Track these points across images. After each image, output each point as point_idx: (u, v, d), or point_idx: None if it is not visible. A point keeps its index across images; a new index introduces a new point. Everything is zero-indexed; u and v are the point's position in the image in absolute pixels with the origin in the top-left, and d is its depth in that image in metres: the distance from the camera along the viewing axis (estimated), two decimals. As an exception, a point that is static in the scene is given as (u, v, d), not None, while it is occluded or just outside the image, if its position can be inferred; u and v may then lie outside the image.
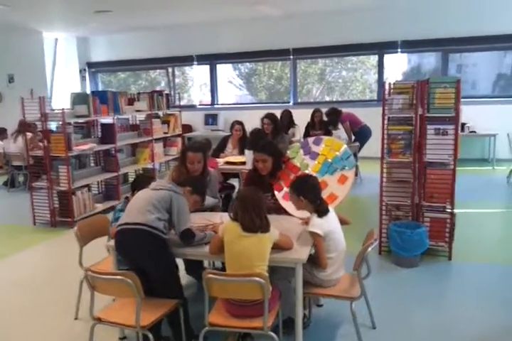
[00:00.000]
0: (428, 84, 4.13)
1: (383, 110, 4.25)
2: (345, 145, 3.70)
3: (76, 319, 3.49)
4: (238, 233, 2.65)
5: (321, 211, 2.97)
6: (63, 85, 12.08)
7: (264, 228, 2.66)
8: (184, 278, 3.73)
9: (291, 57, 10.67)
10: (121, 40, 11.86)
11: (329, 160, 3.66)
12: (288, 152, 3.94)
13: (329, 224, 2.94)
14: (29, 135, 7.12)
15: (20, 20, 9.58)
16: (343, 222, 3.15)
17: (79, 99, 6.20)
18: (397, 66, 10.34)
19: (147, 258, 2.84)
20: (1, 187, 8.64)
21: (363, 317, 3.21)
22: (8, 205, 7.52)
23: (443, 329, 3.24)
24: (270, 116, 6.53)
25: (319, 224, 2.90)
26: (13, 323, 3.56)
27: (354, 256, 3.05)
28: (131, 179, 7.71)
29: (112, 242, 3.10)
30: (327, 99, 11.22)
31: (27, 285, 4.24)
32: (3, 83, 10.08)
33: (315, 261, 2.93)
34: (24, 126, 7.19)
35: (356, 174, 8.01)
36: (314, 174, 3.59)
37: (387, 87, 4.35)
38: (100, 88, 12.74)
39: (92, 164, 6.73)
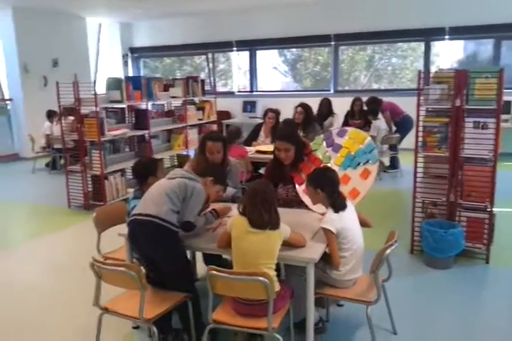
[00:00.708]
0: (468, 74, 3.83)
1: (418, 100, 3.99)
2: (369, 138, 3.48)
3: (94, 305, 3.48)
4: (246, 229, 2.52)
5: (338, 206, 2.80)
6: (107, 70, 12.21)
7: (274, 224, 2.52)
8: (203, 269, 3.66)
9: (333, 43, 10.33)
10: (163, 26, 11.84)
11: (352, 153, 3.46)
12: (311, 143, 3.76)
13: (344, 221, 2.77)
14: (70, 119, 7.21)
15: (64, 5, 9.68)
16: (363, 224, 2.97)
17: (113, 84, 6.21)
18: (449, 54, 9.82)
19: (157, 250, 2.77)
20: (44, 169, 8.88)
21: (386, 320, 3.03)
22: (48, 187, 7.69)
23: (469, 339, 3.02)
24: (303, 105, 6.34)
25: (332, 220, 2.74)
26: (35, 304, 3.62)
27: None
28: (166, 165, 7.74)
29: (125, 231, 3.05)
30: (375, 86, 10.85)
31: (54, 267, 4.33)
32: (48, 67, 10.25)
33: (328, 260, 2.77)
34: (66, 110, 7.29)
35: (397, 167, 7.72)
36: (336, 167, 3.40)
37: (422, 75, 4.06)
38: (144, 73, 12.82)
39: (127, 149, 6.76)
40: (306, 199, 3.29)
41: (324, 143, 3.61)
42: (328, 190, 2.83)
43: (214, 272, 2.33)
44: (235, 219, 2.63)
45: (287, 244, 2.59)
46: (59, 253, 4.73)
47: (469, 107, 3.88)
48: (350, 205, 2.89)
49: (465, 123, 3.87)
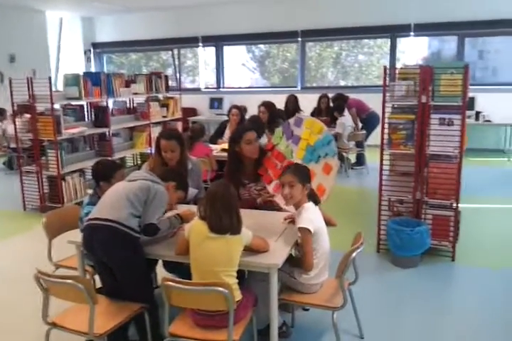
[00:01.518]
0: (433, 70, 3.76)
1: (383, 97, 3.91)
2: (325, 127, 3.31)
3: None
4: (205, 234, 2.36)
5: (316, 200, 2.72)
6: (69, 66, 11.80)
7: (235, 229, 2.37)
8: (163, 274, 3.49)
9: (300, 39, 10.22)
10: (127, 21, 11.50)
11: (311, 144, 3.29)
12: (272, 137, 3.62)
13: (318, 220, 2.65)
14: (26, 117, 6.89)
15: (21, -2, 9.29)
16: (328, 223, 2.83)
17: (71, 80, 5.93)
18: (414, 51, 9.85)
19: (114, 257, 2.58)
20: (2, 168, 8.50)
21: (352, 324, 2.93)
22: (2, 188, 7.35)
23: (439, 338, 2.95)
24: (265, 104, 6.23)
25: (310, 220, 2.60)
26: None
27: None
28: (128, 163, 7.51)
29: (75, 238, 2.86)
30: (342, 83, 10.81)
31: (1, 276, 4.05)
32: (5, 63, 9.82)
33: (297, 263, 2.65)
34: (23, 108, 6.96)
35: (363, 164, 7.69)
36: (299, 161, 3.26)
37: (388, 71, 3.98)
38: (109, 69, 12.46)
39: (87, 148, 6.49)
40: (278, 198, 3.16)
41: (284, 136, 3.46)
42: (311, 185, 2.74)
43: (169, 283, 2.17)
44: (193, 224, 2.47)
45: (249, 250, 2.45)
46: (9, 261, 4.43)
47: (435, 104, 3.82)
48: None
49: (431, 119, 3.80)
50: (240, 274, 2.47)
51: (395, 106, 4.22)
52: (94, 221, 2.61)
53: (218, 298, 2.14)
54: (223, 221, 2.34)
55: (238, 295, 2.35)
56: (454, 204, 3.92)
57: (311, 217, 2.63)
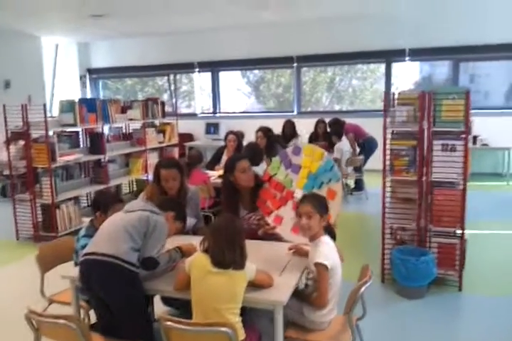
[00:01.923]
0: (434, 95, 3.72)
1: (384, 123, 3.85)
2: (325, 153, 3.25)
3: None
4: (207, 268, 2.25)
5: (332, 235, 2.62)
6: (64, 92, 11.79)
7: (238, 264, 2.25)
8: (162, 309, 3.36)
9: (295, 64, 10.26)
10: (122, 46, 11.55)
11: (313, 172, 3.21)
12: (268, 168, 3.53)
13: (334, 255, 2.54)
14: (21, 144, 6.80)
15: (17, 24, 9.29)
16: None
17: (66, 106, 5.87)
18: (407, 75, 9.92)
19: (113, 294, 2.45)
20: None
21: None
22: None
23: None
24: (262, 129, 6.19)
25: (326, 255, 2.48)
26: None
27: (352, 287, 2.62)
28: (124, 190, 7.40)
29: (69, 273, 2.74)
30: (336, 108, 10.85)
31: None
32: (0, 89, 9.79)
33: (305, 298, 2.52)
34: (16, 134, 6.88)
35: (362, 189, 7.60)
36: (300, 191, 3.18)
37: (390, 97, 3.94)
38: (104, 95, 12.44)
39: (82, 175, 6.39)
40: (280, 229, 3.06)
41: (282, 165, 3.38)
42: (327, 216, 2.62)
43: (169, 323, 2.04)
44: (195, 257, 2.36)
45: (252, 285, 2.33)
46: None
47: (437, 129, 3.76)
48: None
49: (433, 145, 3.74)
50: (242, 311, 2.34)
51: (395, 131, 4.16)
52: (91, 256, 2.49)
53: (222, 339, 2.01)
54: (226, 255, 2.23)
55: (242, 335, 2.22)
56: (460, 232, 3.82)
57: (326, 252, 2.51)
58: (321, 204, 2.62)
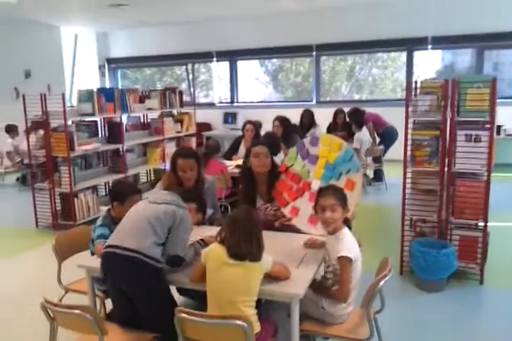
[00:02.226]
0: (458, 84, 3.60)
1: (406, 112, 3.75)
2: (344, 143, 3.15)
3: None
4: (223, 259, 2.21)
5: (349, 226, 2.54)
6: (83, 82, 11.85)
7: (255, 256, 2.21)
8: (178, 299, 3.34)
9: (314, 53, 10.13)
10: (141, 36, 11.53)
11: (331, 162, 3.13)
12: (285, 159, 3.48)
13: (356, 247, 2.49)
14: (41, 133, 6.85)
15: (37, 15, 9.34)
16: None
17: (84, 96, 5.88)
18: (429, 64, 9.71)
19: (137, 289, 2.42)
20: (15, 184, 8.45)
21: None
22: (15, 205, 7.28)
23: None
24: (279, 119, 6.10)
25: (349, 248, 2.43)
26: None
27: (371, 279, 2.55)
28: (142, 180, 7.41)
29: (86, 263, 2.73)
30: (356, 97, 10.70)
31: (7, 298, 3.92)
32: (20, 79, 9.86)
33: (327, 292, 2.47)
34: (36, 124, 6.93)
35: (381, 179, 7.49)
36: (317, 182, 3.11)
37: (412, 85, 3.83)
38: (123, 85, 12.47)
39: (100, 165, 6.41)
40: (296, 220, 3.01)
41: (299, 156, 3.31)
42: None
43: (184, 315, 2.02)
44: (211, 248, 2.33)
45: (269, 277, 2.29)
46: (19, 281, 4.31)
47: (460, 119, 3.65)
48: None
49: (457, 136, 3.64)
50: (258, 302, 2.31)
51: (416, 121, 4.06)
52: (114, 249, 2.45)
53: (236, 332, 1.98)
54: (243, 247, 2.19)
55: (257, 327, 2.19)
56: (482, 224, 3.73)
57: (349, 244, 2.46)
58: (343, 197, 2.57)
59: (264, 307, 2.53)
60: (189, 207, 2.68)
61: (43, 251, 4.99)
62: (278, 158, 4.52)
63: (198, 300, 3.06)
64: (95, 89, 5.93)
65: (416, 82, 4.10)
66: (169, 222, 2.47)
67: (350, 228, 2.58)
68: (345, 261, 2.41)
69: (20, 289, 4.10)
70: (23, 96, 5.55)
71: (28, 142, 5.92)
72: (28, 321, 3.41)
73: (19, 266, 4.69)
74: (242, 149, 6.04)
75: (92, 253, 2.98)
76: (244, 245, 2.19)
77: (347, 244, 2.45)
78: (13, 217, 6.49)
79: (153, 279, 2.41)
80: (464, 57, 9.87)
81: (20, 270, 4.60)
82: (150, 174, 7.49)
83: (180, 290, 3.35)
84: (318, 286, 2.48)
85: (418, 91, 4.02)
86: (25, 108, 5.57)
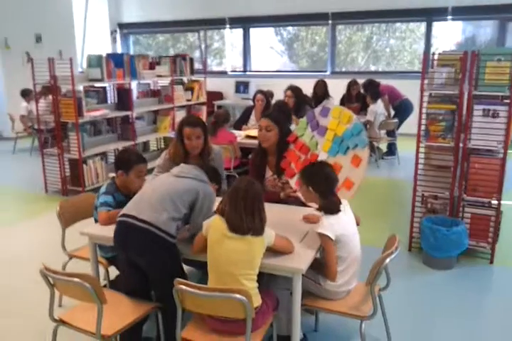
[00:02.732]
0: (478, 56, 3.44)
1: (422, 85, 3.61)
2: (354, 116, 3.02)
3: (60, 306, 3.14)
4: (223, 232, 2.15)
5: (329, 209, 2.41)
6: (95, 47, 11.67)
7: (257, 230, 2.14)
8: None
9: (330, 21, 9.83)
10: (153, 0, 11.26)
11: (339, 135, 3.02)
12: (295, 129, 3.38)
13: (343, 225, 2.39)
14: (50, 98, 6.78)
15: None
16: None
17: (94, 61, 5.77)
18: (448, 36, 9.38)
19: (149, 262, 2.38)
20: (27, 149, 8.45)
21: (380, 329, 2.70)
22: (27, 169, 7.27)
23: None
24: (292, 88, 5.94)
25: (331, 225, 2.34)
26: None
27: (377, 253, 2.51)
28: (152, 148, 7.36)
29: (89, 229, 2.70)
30: (372, 68, 10.44)
31: (14, 260, 3.96)
32: (31, 43, 9.73)
33: (320, 268, 2.42)
34: (45, 89, 6.86)
35: (394, 153, 7.37)
36: (325, 154, 3.03)
37: (430, 57, 3.67)
38: (135, 51, 12.28)
39: (110, 132, 6.36)
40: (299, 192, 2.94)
41: (309, 127, 3.21)
42: (321, 189, 2.44)
43: (182, 287, 1.98)
44: (212, 220, 2.26)
45: (272, 251, 2.24)
46: (25, 245, 4.35)
47: (478, 93, 3.51)
48: (346, 204, 2.52)
49: (473, 111, 3.50)
50: (259, 276, 2.26)
51: (432, 94, 3.92)
52: (130, 219, 2.39)
53: (236, 305, 1.94)
54: (244, 222, 2.12)
55: (258, 300, 2.16)
56: (496, 203, 3.63)
57: (332, 221, 2.37)
58: (307, 175, 2.51)
59: (265, 283, 2.49)
60: (212, 186, 2.59)
61: (51, 216, 4.92)
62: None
63: (202, 270, 3.04)
64: (104, 55, 5.80)
65: (434, 54, 3.94)
66: (191, 197, 2.42)
67: (335, 206, 2.45)
68: (325, 239, 2.34)
69: (27, 254, 4.13)
70: (32, 60, 5.47)
71: (37, 107, 5.86)
72: (32, 286, 3.42)
73: (27, 231, 4.72)
74: (253, 119, 5.94)
75: (96, 220, 2.96)
76: (245, 219, 2.12)
77: (328, 221, 2.36)
78: (24, 181, 6.50)
79: (165, 253, 2.37)
80: (485, 30, 9.52)
81: (28, 234, 4.64)
82: (160, 142, 7.43)
83: (187, 260, 3.33)
84: (315, 262, 2.42)
85: (436, 63, 3.87)
86: (33, 72, 5.49)
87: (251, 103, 6.29)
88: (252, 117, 5.92)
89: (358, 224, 2.59)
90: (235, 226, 2.13)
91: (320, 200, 2.46)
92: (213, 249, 2.19)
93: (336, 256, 2.37)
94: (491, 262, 3.74)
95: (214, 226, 2.21)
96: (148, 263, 2.39)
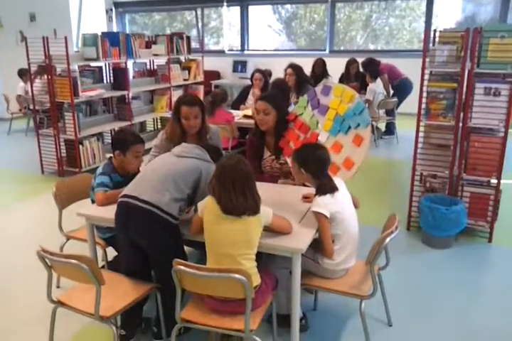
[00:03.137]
0: (480, 33, 3.37)
1: (423, 62, 3.55)
2: (357, 95, 2.97)
3: (58, 287, 3.14)
4: (217, 214, 2.12)
5: (323, 189, 2.38)
6: (91, 27, 11.47)
7: (252, 209, 2.10)
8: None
9: (329, -1, 9.67)
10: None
11: (341, 114, 2.97)
12: (295, 107, 3.33)
13: (338, 204, 2.38)
14: (45, 78, 6.68)
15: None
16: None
17: (89, 40, 5.66)
18: (449, 14, 9.24)
19: (150, 242, 2.36)
20: (22, 130, 8.37)
21: (379, 308, 2.71)
22: (22, 150, 7.22)
23: (474, 327, 2.73)
24: (292, 66, 5.84)
25: (325, 204, 2.33)
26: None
27: (377, 233, 2.50)
28: (149, 128, 7.30)
29: (86, 210, 2.68)
30: (371, 47, 10.30)
31: (11, 241, 3.97)
32: (25, 22, 9.55)
33: (319, 247, 2.41)
34: (41, 68, 6.75)
35: (393, 133, 7.32)
36: (325, 134, 2.99)
37: (431, 34, 3.60)
38: (131, 30, 12.08)
39: (107, 112, 6.29)
40: None
41: (309, 106, 3.16)
42: (313, 170, 2.42)
43: (181, 267, 1.96)
44: (206, 201, 2.22)
45: (270, 230, 2.22)
46: (22, 226, 4.35)
47: (480, 71, 3.45)
48: (341, 183, 2.50)
49: (475, 89, 3.45)
50: (258, 255, 2.24)
51: (433, 72, 3.86)
52: (131, 199, 2.36)
53: (235, 285, 1.92)
54: (236, 202, 2.08)
55: (257, 280, 2.15)
56: (495, 182, 3.61)
57: (326, 201, 2.34)
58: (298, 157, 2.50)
59: (264, 262, 2.48)
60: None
61: (48, 197, 4.92)
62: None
63: (201, 250, 3.03)
64: (99, 33, 5.70)
65: (435, 31, 3.86)
66: (193, 177, 2.39)
67: (328, 187, 2.43)
68: (319, 217, 2.33)
69: (25, 235, 4.12)
70: (25, 38, 5.36)
71: (32, 87, 5.78)
72: (29, 268, 3.40)
73: (24, 212, 4.69)
74: (251, 99, 5.86)
75: (93, 201, 2.93)
76: (237, 200, 2.08)
77: (322, 200, 2.34)
78: (20, 162, 6.45)
79: (167, 234, 2.35)
80: (486, 8, 9.36)
81: (25, 216, 4.61)
82: (157, 122, 7.36)
83: (187, 241, 3.32)
84: (312, 241, 2.40)
85: (437, 40, 3.80)
86: (27, 52, 5.40)
87: (249, 82, 6.21)
88: (250, 97, 5.85)
89: (356, 207, 2.57)
90: (228, 207, 2.09)
91: (312, 181, 2.45)
92: (210, 230, 2.17)
93: (330, 234, 2.36)
94: (490, 241, 3.74)
95: (208, 207, 2.18)
96: (149, 244, 2.37)
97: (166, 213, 2.31)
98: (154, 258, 2.42)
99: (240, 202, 2.08)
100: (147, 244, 2.38)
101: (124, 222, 2.40)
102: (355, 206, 2.57)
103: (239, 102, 5.93)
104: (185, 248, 3.20)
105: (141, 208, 2.31)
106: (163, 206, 2.31)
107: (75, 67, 5.55)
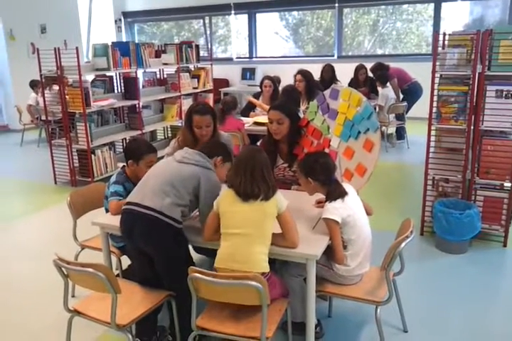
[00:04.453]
0: (491, 35, 3.36)
1: (433, 66, 3.54)
2: (364, 99, 2.96)
3: (73, 296, 3.15)
4: (234, 200, 2.19)
5: (334, 195, 2.39)
6: (100, 37, 11.61)
7: (266, 193, 2.16)
8: (194, 256, 3.32)
9: (336, 5, 9.68)
10: (157, -13, 11.16)
11: (350, 119, 2.97)
12: (306, 113, 3.34)
13: (350, 208, 2.38)
14: (56, 89, 6.76)
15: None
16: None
17: (99, 50, 5.73)
18: (456, 17, 9.22)
19: (155, 249, 2.38)
20: (34, 141, 8.46)
21: (394, 315, 2.69)
22: (35, 161, 7.29)
23: (490, 333, 2.70)
24: (302, 72, 5.84)
25: (335, 209, 2.33)
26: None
27: (390, 238, 2.49)
28: (159, 137, 7.34)
29: (100, 219, 2.70)
30: (379, 52, 10.30)
31: (26, 253, 3.99)
32: (36, 34, 9.69)
33: (331, 254, 2.41)
34: (51, 79, 6.84)
35: (403, 137, 7.30)
36: (337, 139, 2.99)
37: (440, 38, 3.60)
38: (140, 39, 12.20)
39: (118, 121, 6.34)
40: None
41: (320, 110, 3.16)
42: (322, 178, 2.44)
43: (196, 275, 1.96)
44: (223, 193, 2.28)
45: (275, 243, 2.21)
46: (36, 236, 4.38)
47: (491, 74, 3.44)
48: (350, 189, 2.49)
49: (486, 91, 3.43)
50: (271, 263, 2.23)
51: (444, 76, 3.85)
52: (134, 206, 2.38)
53: (250, 292, 1.92)
54: (247, 185, 2.16)
55: (266, 267, 2.15)
56: (509, 185, 3.59)
57: (336, 206, 2.35)
58: (305, 167, 2.52)
59: (278, 271, 2.48)
60: (214, 161, 2.55)
61: (61, 207, 4.95)
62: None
63: (213, 258, 3.03)
64: (110, 43, 5.76)
65: (445, 34, 3.86)
66: (193, 184, 2.39)
67: (337, 192, 2.43)
68: (330, 223, 2.34)
69: (40, 245, 4.15)
70: (37, 50, 5.44)
71: (44, 98, 5.84)
72: (45, 277, 3.44)
73: (38, 222, 4.74)
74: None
75: (107, 210, 2.95)
76: (253, 185, 2.16)
77: (333, 206, 2.35)
78: (33, 173, 6.51)
79: (171, 239, 2.36)
80: (493, 10, 9.34)
81: (39, 225, 4.65)
82: (167, 131, 7.40)
83: (196, 248, 3.33)
84: (328, 247, 2.40)
85: (446, 43, 3.80)
86: (39, 63, 5.47)
87: (257, 90, 6.23)
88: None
89: (369, 214, 2.57)
90: (245, 192, 2.16)
91: (321, 189, 2.46)
92: (226, 215, 2.21)
93: (341, 240, 2.36)
94: (505, 245, 3.71)
95: (224, 198, 2.23)
96: (154, 249, 2.38)
97: (168, 217, 2.33)
98: (159, 265, 2.42)
99: (256, 186, 2.16)
100: (153, 250, 2.39)
101: (129, 230, 2.42)
102: (368, 213, 2.56)
103: (248, 109, 5.94)
104: (197, 256, 3.24)
105: (143, 214, 2.33)
106: (165, 210, 2.32)
107: (86, 77, 5.61)
